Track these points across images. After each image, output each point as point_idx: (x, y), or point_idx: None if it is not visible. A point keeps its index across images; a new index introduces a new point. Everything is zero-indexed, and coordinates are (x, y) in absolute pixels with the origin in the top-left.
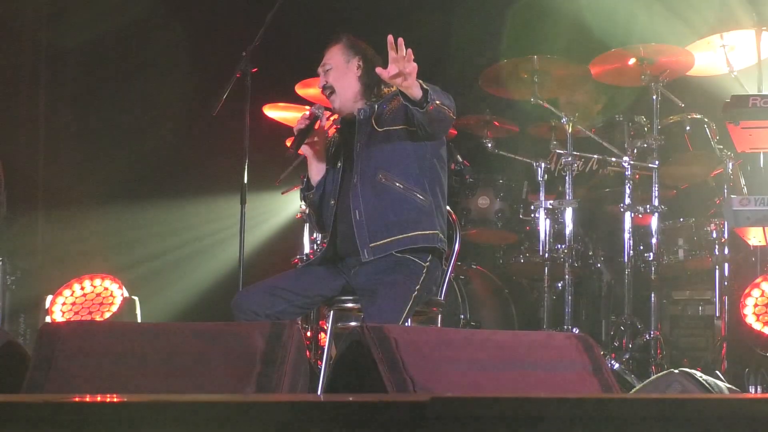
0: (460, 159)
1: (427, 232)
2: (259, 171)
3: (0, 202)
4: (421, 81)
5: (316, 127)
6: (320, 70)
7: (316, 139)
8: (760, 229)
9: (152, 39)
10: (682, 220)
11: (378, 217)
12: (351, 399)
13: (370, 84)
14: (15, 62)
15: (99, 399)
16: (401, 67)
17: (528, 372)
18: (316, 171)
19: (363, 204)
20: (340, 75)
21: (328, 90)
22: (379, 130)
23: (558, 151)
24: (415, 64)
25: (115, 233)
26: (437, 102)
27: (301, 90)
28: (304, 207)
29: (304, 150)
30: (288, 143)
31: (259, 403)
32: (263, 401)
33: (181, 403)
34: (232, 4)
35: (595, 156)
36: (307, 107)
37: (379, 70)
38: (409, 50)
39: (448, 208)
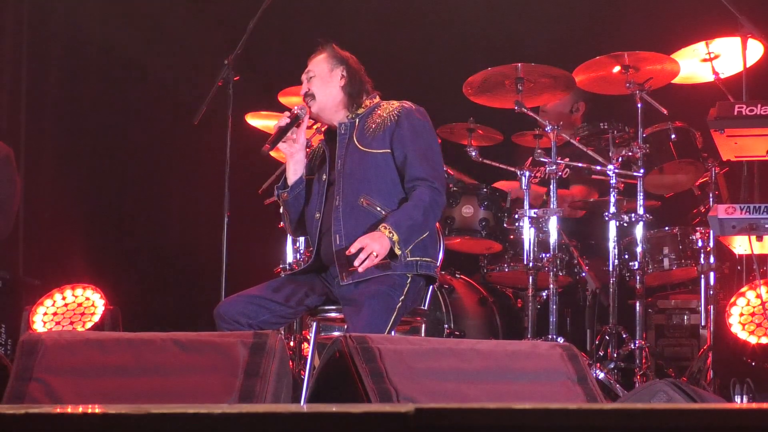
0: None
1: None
2: (241, 180)
3: (9, 217)
4: (389, 229)
5: (297, 126)
6: (304, 77)
7: (294, 137)
8: (746, 237)
9: (133, 46)
10: (667, 228)
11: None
12: (334, 409)
13: (353, 94)
14: None
15: (81, 410)
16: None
17: (512, 382)
18: (293, 171)
19: (344, 228)
20: (323, 83)
21: (310, 98)
22: (362, 149)
23: (542, 159)
24: (369, 260)
25: (97, 243)
26: (412, 243)
27: (283, 98)
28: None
29: (282, 148)
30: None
31: (242, 414)
32: (246, 412)
33: (163, 415)
34: (215, 12)
35: (580, 164)
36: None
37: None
38: (362, 259)
39: None
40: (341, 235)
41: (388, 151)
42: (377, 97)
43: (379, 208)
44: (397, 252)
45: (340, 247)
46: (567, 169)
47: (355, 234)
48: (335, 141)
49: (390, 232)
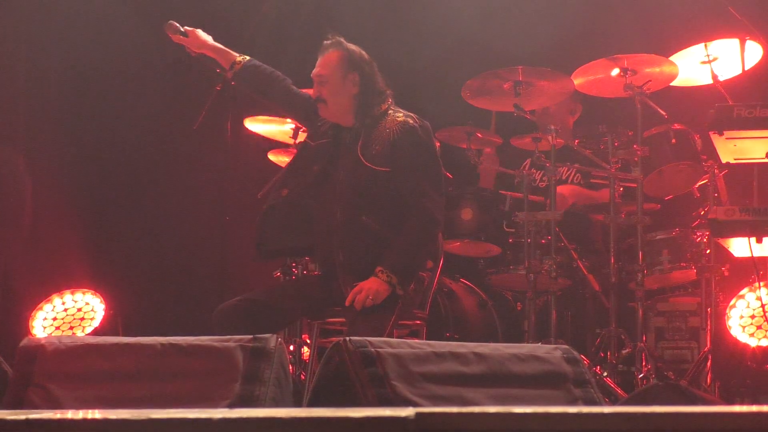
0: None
1: None
2: (240, 184)
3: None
4: (386, 273)
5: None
6: (315, 77)
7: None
8: (745, 240)
9: (132, 50)
10: (666, 231)
11: (360, 258)
12: (334, 414)
13: (365, 103)
14: None
15: (81, 415)
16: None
17: (512, 385)
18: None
19: (346, 245)
20: (336, 91)
21: (322, 103)
22: (365, 163)
23: (541, 162)
24: (368, 302)
25: (97, 247)
26: (412, 280)
27: None
28: None
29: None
30: (270, 155)
31: (242, 418)
32: (246, 417)
33: (164, 420)
34: (214, 16)
35: (579, 167)
36: (288, 120)
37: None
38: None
39: None
40: (344, 252)
41: (389, 169)
42: (389, 99)
43: (382, 226)
44: (399, 293)
45: (343, 263)
46: (578, 174)
47: (357, 251)
48: (340, 141)
49: (388, 277)
